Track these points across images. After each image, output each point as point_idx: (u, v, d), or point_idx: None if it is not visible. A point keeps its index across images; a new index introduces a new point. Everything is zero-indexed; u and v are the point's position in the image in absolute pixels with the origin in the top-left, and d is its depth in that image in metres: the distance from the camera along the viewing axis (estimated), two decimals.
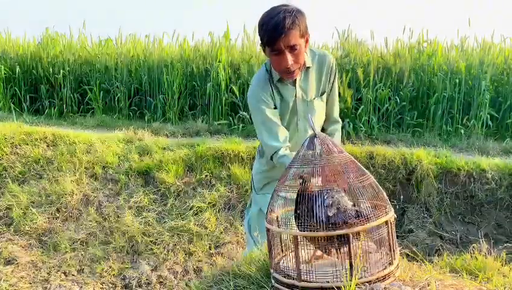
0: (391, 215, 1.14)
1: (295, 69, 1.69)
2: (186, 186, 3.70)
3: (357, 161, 1.21)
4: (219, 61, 5.44)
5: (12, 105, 5.98)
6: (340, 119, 2.01)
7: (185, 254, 3.19)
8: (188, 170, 3.86)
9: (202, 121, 5.30)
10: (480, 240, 1.92)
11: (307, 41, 1.72)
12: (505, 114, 4.75)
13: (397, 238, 1.17)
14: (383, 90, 4.84)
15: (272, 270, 1.19)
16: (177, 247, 3.24)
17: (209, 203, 3.51)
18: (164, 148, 4.15)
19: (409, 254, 1.43)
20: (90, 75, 6.16)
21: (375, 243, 1.13)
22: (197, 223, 3.36)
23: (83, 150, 4.18)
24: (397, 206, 3.55)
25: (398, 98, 4.88)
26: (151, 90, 5.91)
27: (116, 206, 3.65)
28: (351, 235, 1.04)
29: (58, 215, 3.61)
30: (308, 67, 1.80)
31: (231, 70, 5.50)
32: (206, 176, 3.76)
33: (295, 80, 1.79)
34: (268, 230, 1.20)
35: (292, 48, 1.63)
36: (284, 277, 1.14)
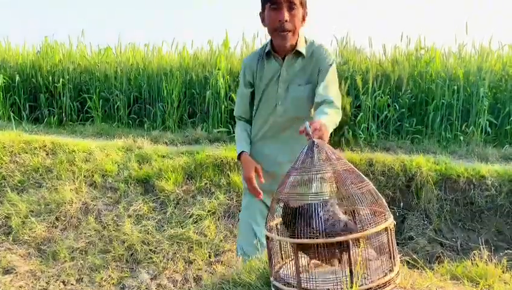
0: (390, 221, 1.13)
1: (289, 30, 1.68)
2: (185, 194, 3.70)
3: (355, 168, 1.21)
4: (218, 69, 5.45)
5: (11, 114, 5.99)
6: (337, 103, 1.70)
7: (185, 263, 3.18)
8: (187, 178, 3.86)
9: (201, 129, 5.30)
10: (481, 247, 1.91)
11: (303, 18, 1.74)
12: (504, 121, 4.76)
13: (397, 245, 1.15)
14: (381, 97, 4.85)
15: (271, 279, 1.18)
16: (177, 255, 3.22)
17: (208, 211, 3.50)
18: (163, 156, 4.16)
19: (410, 261, 1.42)
20: (89, 84, 6.18)
21: (375, 250, 1.13)
22: (196, 231, 3.35)
23: (82, 159, 4.18)
24: (397, 213, 3.55)
25: (397, 105, 4.89)
26: (151, 99, 5.93)
27: (116, 215, 3.64)
28: (350, 242, 1.03)
29: (57, 224, 3.60)
30: (300, 54, 1.77)
31: (230, 78, 5.51)
32: (206, 183, 3.76)
33: (283, 60, 1.77)
34: (267, 238, 1.19)
35: (290, 5, 1.65)
36: (284, 284, 1.13)
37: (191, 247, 3.27)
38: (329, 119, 1.54)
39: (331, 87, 1.72)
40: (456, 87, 4.82)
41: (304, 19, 1.74)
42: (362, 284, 1.03)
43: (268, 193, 1.78)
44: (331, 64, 1.77)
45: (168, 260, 3.20)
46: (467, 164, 3.76)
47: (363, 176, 1.20)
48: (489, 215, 3.39)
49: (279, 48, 1.78)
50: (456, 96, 4.81)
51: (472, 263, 1.44)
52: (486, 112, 4.62)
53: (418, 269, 1.31)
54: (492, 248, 3.09)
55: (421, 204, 3.54)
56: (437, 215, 3.48)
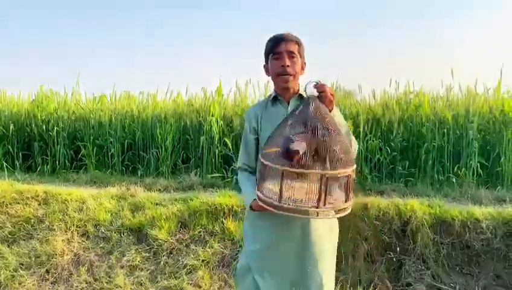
0: (353, 169, 1.49)
1: (290, 74, 1.83)
2: (179, 244, 3.64)
3: (340, 129, 1.53)
4: (212, 115, 5.54)
5: (4, 163, 5.97)
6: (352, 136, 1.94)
7: None
8: (181, 226, 3.81)
9: (195, 175, 5.30)
10: None
11: (302, 67, 1.89)
12: (494, 162, 4.82)
13: None
14: (373, 141, 4.92)
15: (257, 191, 1.53)
16: None
17: (202, 260, 3.44)
18: (157, 204, 4.12)
19: None
20: (84, 132, 6.22)
21: (339, 187, 1.50)
22: (190, 283, 3.27)
23: (75, 208, 4.14)
24: (394, 259, 3.51)
25: (388, 148, 4.95)
26: (145, 145, 5.96)
27: (108, 266, 3.56)
28: (323, 175, 1.39)
29: (47, 277, 3.51)
30: (302, 97, 1.88)
31: (224, 123, 5.59)
32: (200, 231, 3.72)
33: (288, 106, 1.88)
34: (262, 163, 1.49)
35: (290, 54, 1.82)
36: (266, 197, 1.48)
37: None
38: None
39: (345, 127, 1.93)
40: (445, 130, 4.92)
41: (302, 68, 1.90)
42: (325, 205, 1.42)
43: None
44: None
45: None
46: (460, 207, 3.77)
47: (344, 134, 1.57)
48: (486, 259, 3.35)
49: (282, 93, 1.91)
50: (446, 138, 4.90)
51: None
52: (476, 154, 4.69)
53: None
54: None
55: (418, 249, 3.51)
56: (434, 260, 3.44)
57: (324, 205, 1.39)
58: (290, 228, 1.78)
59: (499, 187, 4.46)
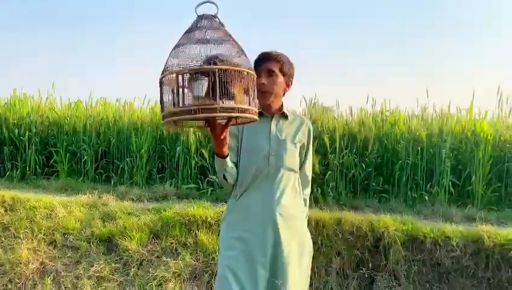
0: (253, 73, 1.43)
1: (267, 92, 1.86)
2: (150, 255, 3.56)
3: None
4: (193, 133, 5.49)
5: None
6: (309, 182, 2.11)
7: None
8: (152, 237, 3.73)
9: (170, 185, 5.22)
10: None
11: (287, 85, 1.93)
12: (466, 182, 4.92)
13: None
14: (349, 156, 4.96)
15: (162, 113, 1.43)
16: None
17: (173, 272, 3.37)
18: (129, 214, 4.04)
19: None
20: (57, 137, 6.07)
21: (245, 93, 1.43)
22: None
23: (43, 216, 4.01)
24: (366, 275, 3.52)
25: (363, 164, 5.00)
26: (119, 153, 5.85)
27: (75, 276, 3.45)
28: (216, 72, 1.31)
29: (10, 286, 3.37)
30: (286, 116, 1.96)
31: (201, 134, 5.55)
32: (172, 243, 3.65)
33: (271, 120, 1.93)
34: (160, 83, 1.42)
35: (269, 72, 1.85)
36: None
37: None
38: (307, 217, 2.04)
39: (311, 168, 2.09)
40: (419, 148, 5.00)
41: (288, 86, 1.95)
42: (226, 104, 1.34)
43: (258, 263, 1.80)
44: (311, 140, 2.06)
45: None
46: (432, 224, 3.82)
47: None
48: (456, 277, 3.40)
49: (266, 109, 1.94)
50: (420, 156, 4.98)
51: None
52: (448, 172, 4.78)
53: None
54: None
55: (390, 265, 3.53)
56: (405, 277, 3.46)
57: (222, 101, 1.31)
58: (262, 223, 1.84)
59: (469, 206, 4.55)
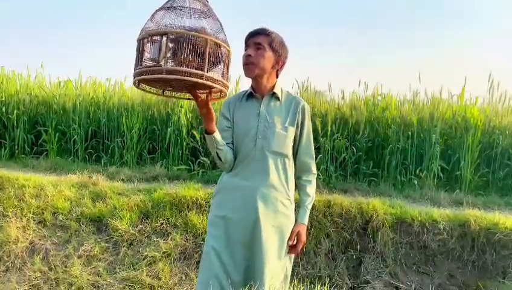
0: (228, 49, 1.53)
1: (253, 64, 1.83)
2: (140, 235, 3.56)
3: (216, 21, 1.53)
4: (181, 106, 5.45)
5: None
6: (314, 170, 2.02)
7: None
8: (143, 217, 3.74)
9: (161, 166, 5.21)
10: None
11: (277, 62, 1.89)
12: (454, 166, 4.98)
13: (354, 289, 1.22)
14: (340, 140, 4.98)
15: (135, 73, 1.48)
16: None
17: (163, 252, 3.38)
18: (119, 194, 4.03)
19: None
20: (46, 116, 5.99)
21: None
22: (150, 274, 3.21)
23: (32, 194, 3.98)
24: (354, 256, 3.57)
25: (354, 148, 5.03)
26: (110, 133, 5.80)
27: (64, 255, 3.45)
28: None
29: None
30: (277, 96, 1.92)
31: (193, 115, 5.51)
32: (162, 223, 3.65)
33: (262, 101, 1.90)
34: (139, 41, 1.47)
35: (257, 45, 1.83)
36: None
37: None
38: (310, 203, 1.97)
39: (312, 152, 2.00)
40: (410, 133, 5.03)
41: (277, 63, 1.90)
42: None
43: (244, 245, 1.82)
44: (306, 119, 1.96)
45: None
46: (420, 208, 3.87)
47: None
48: (442, 259, 3.46)
49: (257, 89, 1.91)
50: (410, 141, 5.02)
51: None
52: (438, 157, 4.83)
53: None
54: None
55: (377, 247, 3.58)
56: (393, 259, 3.52)
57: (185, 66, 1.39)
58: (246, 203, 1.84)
59: (457, 190, 4.61)
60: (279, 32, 1.90)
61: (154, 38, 1.41)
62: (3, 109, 5.99)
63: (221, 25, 1.53)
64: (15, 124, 5.88)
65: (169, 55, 1.39)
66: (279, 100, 1.92)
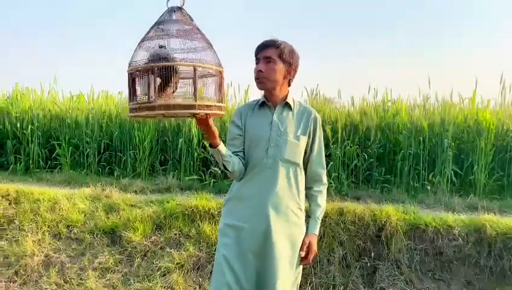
0: (219, 70, 1.54)
1: (264, 78, 1.85)
2: (153, 246, 3.59)
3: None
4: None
5: None
6: (325, 180, 2.02)
7: None
8: (156, 228, 3.76)
9: (173, 177, 5.25)
10: None
11: (289, 73, 1.90)
12: (468, 171, 4.92)
13: None
14: (350, 147, 4.97)
15: (130, 105, 1.50)
16: None
17: (177, 263, 3.40)
18: (132, 206, 4.06)
19: None
20: (59, 131, 6.09)
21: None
22: (164, 285, 3.23)
23: (47, 208, 4.04)
24: (368, 264, 3.54)
25: (365, 154, 5.00)
26: (122, 146, 5.87)
27: (80, 268, 3.48)
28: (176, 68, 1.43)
29: (16, 278, 3.41)
30: (289, 106, 1.94)
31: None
32: (175, 234, 3.67)
33: (274, 110, 1.91)
34: (129, 75, 1.49)
35: (267, 59, 1.83)
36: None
37: None
38: (321, 214, 1.97)
39: (323, 162, 2.01)
40: (421, 138, 5.00)
41: (289, 73, 1.90)
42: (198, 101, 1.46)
43: (255, 254, 1.82)
44: (318, 129, 1.98)
45: None
46: (434, 213, 3.83)
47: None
48: (458, 265, 3.41)
49: (270, 98, 1.93)
50: (421, 146, 4.98)
51: None
52: (450, 162, 4.78)
53: None
54: None
55: (392, 254, 3.55)
56: (407, 266, 3.48)
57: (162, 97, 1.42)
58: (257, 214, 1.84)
59: (471, 195, 4.55)
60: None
61: (142, 72, 1.43)
62: (18, 125, 6.11)
63: (208, 42, 1.52)
64: (29, 139, 5.98)
65: (157, 88, 1.42)
66: (291, 110, 1.94)
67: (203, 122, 1.62)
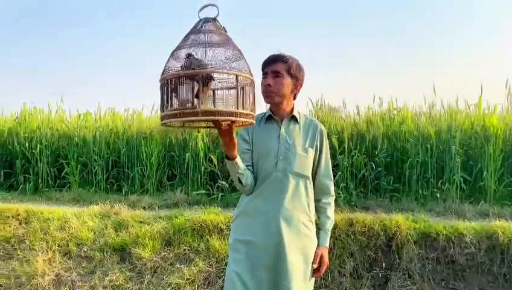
0: (252, 79, 1.48)
1: (273, 93, 1.86)
2: (163, 262, 3.58)
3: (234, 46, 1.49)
4: (198, 131, 5.52)
5: None
6: (333, 191, 2.04)
7: None
8: (165, 244, 3.76)
9: (181, 192, 5.25)
10: None
11: (295, 87, 1.92)
12: (477, 177, 4.88)
13: None
14: (358, 156, 4.95)
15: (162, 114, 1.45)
16: None
17: (187, 279, 3.38)
18: (141, 222, 4.07)
19: None
20: (67, 149, 6.14)
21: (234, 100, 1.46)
22: None
23: (57, 227, 4.05)
24: (379, 275, 3.50)
25: (373, 164, 4.99)
26: (129, 163, 5.90)
27: (90, 286, 3.48)
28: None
29: None
30: (296, 119, 1.96)
31: (209, 139, 5.58)
32: (184, 250, 3.67)
33: (281, 124, 1.93)
34: (165, 81, 1.43)
35: (275, 73, 1.85)
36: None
37: None
38: (331, 225, 1.99)
39: (331, 174, 2.03)
40: (428, 146, 4.97)
41: (296, 88, 1.93)
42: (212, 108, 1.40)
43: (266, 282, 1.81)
44: (324, 142, 1.99)
45: None
46: (445, 222, 3.79)
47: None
48: (471, 274, 3.37)
49: (277, 112, 1.95)
50: (429, 154, 4.95)
51: None
52: (459, 169, 4.75)
53: None
54: None
55: (403, 264, 3.51)
56: (420, 275, 3.44)
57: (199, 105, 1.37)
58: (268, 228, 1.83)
59: (481, 202, 4.51)
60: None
61: (182, 78, 1.40)
62: (27, 144, 6.17)
63: (240, 52, 1.52)
64: (38, 158, 6.03)
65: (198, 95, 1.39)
66: (297, 123, 1.96)
67: (227, 133, 1.59)
